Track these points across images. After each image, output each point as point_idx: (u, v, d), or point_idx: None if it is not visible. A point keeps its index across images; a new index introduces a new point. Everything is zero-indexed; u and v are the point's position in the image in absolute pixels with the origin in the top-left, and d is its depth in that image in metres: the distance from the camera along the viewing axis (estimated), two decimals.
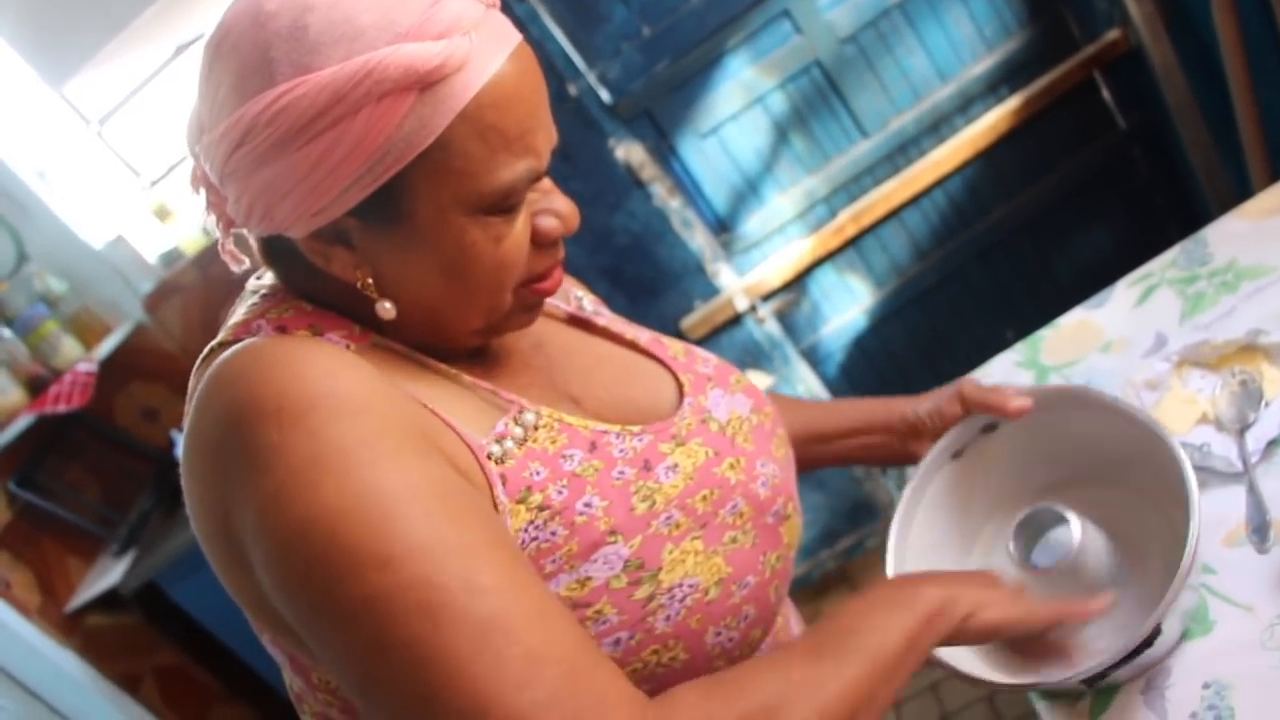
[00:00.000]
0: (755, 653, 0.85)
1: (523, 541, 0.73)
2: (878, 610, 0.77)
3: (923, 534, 1.02)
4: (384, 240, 0.73)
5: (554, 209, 0.78)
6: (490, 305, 0.77)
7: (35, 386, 2.78)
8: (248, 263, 0.80)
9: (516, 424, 0.78)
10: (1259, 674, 0.83)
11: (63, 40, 2.83)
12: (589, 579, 0.74)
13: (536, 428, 0.78)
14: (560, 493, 0.75)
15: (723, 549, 0.81)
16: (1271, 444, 1.01)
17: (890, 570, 1.00)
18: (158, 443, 3.11)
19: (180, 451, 0.73)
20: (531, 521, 0.73)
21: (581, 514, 0.75)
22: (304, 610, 0.65)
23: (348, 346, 0.76)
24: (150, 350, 3.05)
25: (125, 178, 3.05)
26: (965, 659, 0.91)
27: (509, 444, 0.76)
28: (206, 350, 0.77)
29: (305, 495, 0.64)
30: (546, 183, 0.78)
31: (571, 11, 2.16)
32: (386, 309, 0.75)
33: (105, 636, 2.86)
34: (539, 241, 0.78)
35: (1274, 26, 1.78)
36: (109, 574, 2.76)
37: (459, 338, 0.80)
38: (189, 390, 0.76)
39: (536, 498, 0.74)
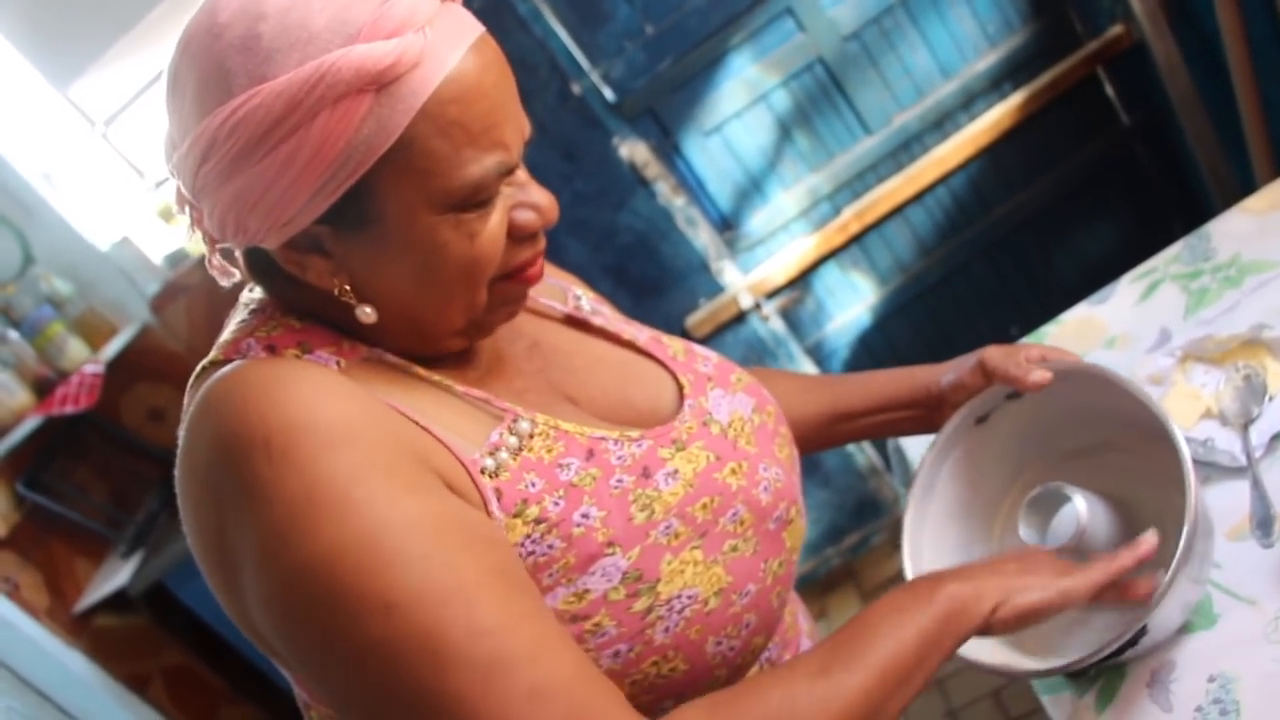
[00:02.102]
0: (758, 658, 0.84)
1: (520, 555, 0.72)
2: (891, 615, 0.75)
3: (945, 502, 1.01)
4: (357, 245, 0.72)
5: (531, 201, 0.76)
6: (468, 303, 0.76)
7: (42, 388, 2.79)
8: (237, 276, 0.79)
9: (511, 433, 0.77)
10: (1264, 667, 0.84)
11: (68, 42, 2.83)
12: (587, 591, 0.74)
13: (532, 436, 0.77)
14: (557, 504, 0.74)
15: (723, 558, 0.80)
16: (1275, 438, 1.01)
17: (907, 538, 0.98)
18: (165, 443, 3.11)
19: (175, 471, 0.73)
20: (529, 535, 0.73)
21: (579, 525, 0.74)
22: (306, 649, 0.66)
23: (337, 364, 0.75)
24: (156, 351, 3.06)
25: (130, 179, 3.06)
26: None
27: (503, 455, 0.75)
28: (199, 369, 0.76)
29: (304, 537, 0.64)
30: (522, 175, 0.76)
31: (575, 10, 2.17)
32: (367, 314, 0.74)
33: (113, 637, 2.87)
34: (516, 235, 0.76)
35: (1276, 20, 1.78)
36: (117, 575, 2.76)
37: (442, 338, 0.79)
38: (183, 408, 0.75)
39: (533, 510, 0.73)
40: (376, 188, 0.69)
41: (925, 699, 2.39)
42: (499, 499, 0.73)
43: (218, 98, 0.67)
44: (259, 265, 0.78)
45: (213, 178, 0.69)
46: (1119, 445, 0.97)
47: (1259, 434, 1.02)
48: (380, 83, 0.66)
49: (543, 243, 0.80)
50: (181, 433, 0.72)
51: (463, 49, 0.69)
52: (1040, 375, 0.92)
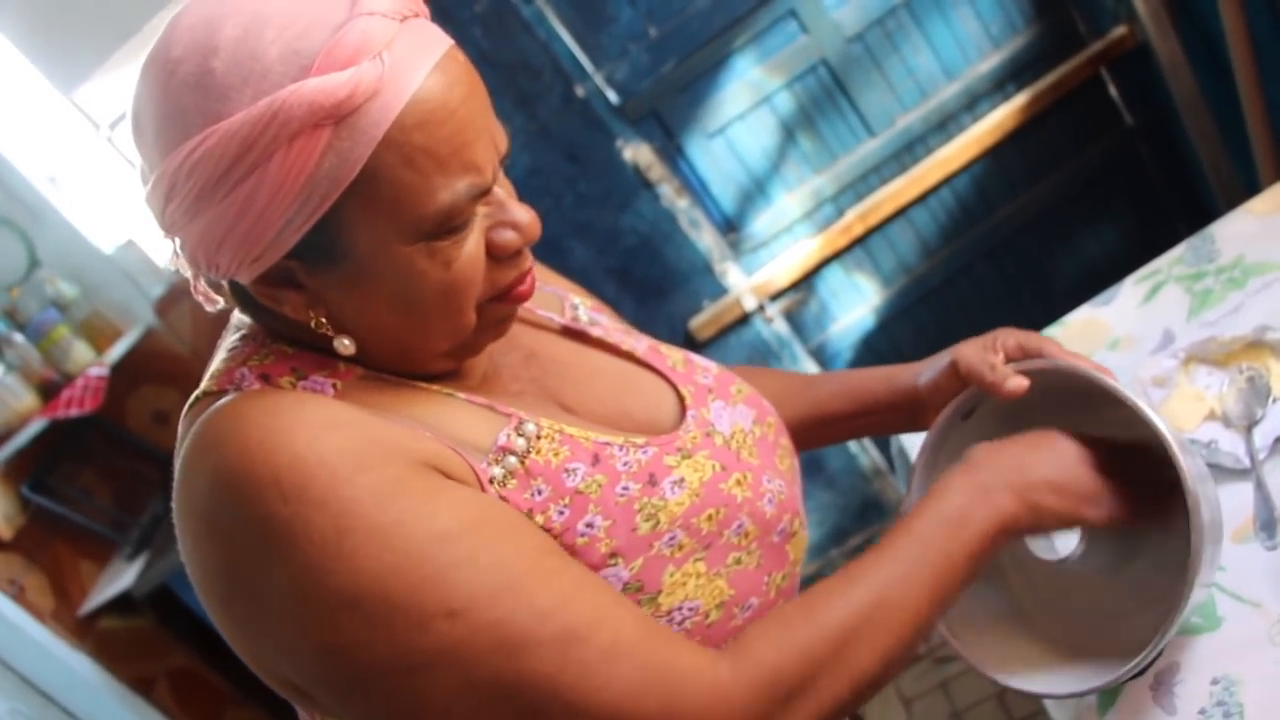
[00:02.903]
0: None
1: None
2: (943, 528, 0.78)
3: None
4: (330, 279, 0.70)
5: (510, 219, 0.73)
6: (453, 328, 0.74)
7: (47, 391, 2.79)
8: (222, 303, 0.78)
9: (519, 434, 0.76)
10: (1267, 670, 0.84)
11: (73, 46, 2.84)
12: None
13: (539, 437, 0.76)
14: (562, 513, 0.74)
15: (726, 571, 0.79)
16: (1279, 440, 1.01)
17: None
18: (169, 446, 3.09)
19: (173, 504, 0.72)
20: None
21: (583, 535, 0.74)
22: (363, 676, 0.66)
23: (334, 387, 0.74)
24: (161, 354, 3.06)
25: (135, 182, 3.06)
26: (985, 658, 0.90)
27: (511, 460, 0.74)
28: (193, 399, 0.75)
29: (344, 567, 0.64)
30: (499, 193, 0.73)
31: (578, 13, 2.17)
32: (345, 345, 0.73)
33: (118, 639, 2.87)
34: (497, 255, 0.74)
35: None
36: (122, 577, 2.77)
37: (428, 362, 0.77)
38: (178, 438, 0.75)
39: (537, 520, 0.73)
40: (345, 220, 0.67)
41: (930, 701, 2.39)
42: None
43: (176, 137, 0.65)
44: (241, 295, 0.77)
45: (178, 216, 0.68)
46: (1120, 421, 0.95)
47: (1263, 436, 1.02)
48: (336, 116, 0.63)
49: (529, 261, 0.77)
50: (178, 465, 0.72)
51: (425, 70, 0.66)
52: (1015, 384, 0.89)
